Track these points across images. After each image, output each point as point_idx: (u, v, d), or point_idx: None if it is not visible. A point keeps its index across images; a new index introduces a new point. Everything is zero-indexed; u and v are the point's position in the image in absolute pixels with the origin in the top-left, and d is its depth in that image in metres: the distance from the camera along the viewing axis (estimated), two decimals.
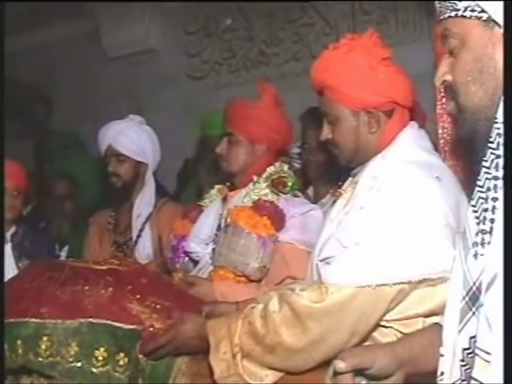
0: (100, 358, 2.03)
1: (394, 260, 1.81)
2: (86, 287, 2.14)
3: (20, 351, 2.05)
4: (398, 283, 1.81)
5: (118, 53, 5.88)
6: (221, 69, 5.67)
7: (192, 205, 2.97)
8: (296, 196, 2.66)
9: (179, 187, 4.71)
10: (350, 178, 2.14)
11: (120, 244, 3.37)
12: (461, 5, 1.25)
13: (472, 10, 1.23)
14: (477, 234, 1.19)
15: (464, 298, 1.21)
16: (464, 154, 2.10)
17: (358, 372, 1.56)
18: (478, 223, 1.19)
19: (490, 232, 1.16)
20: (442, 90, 2.09)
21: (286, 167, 2.69)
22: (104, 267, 2.30)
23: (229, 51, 5.62)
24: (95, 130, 3.44)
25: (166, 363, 2.09)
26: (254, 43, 5.52)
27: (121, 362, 2.05)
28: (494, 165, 1.16)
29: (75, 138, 5.20)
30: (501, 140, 1.15)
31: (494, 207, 1.16)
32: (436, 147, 2.11)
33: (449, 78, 1.32)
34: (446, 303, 1.28)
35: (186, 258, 2.76)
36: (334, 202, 2.16)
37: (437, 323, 1.68)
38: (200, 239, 2.69)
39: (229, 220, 2.54)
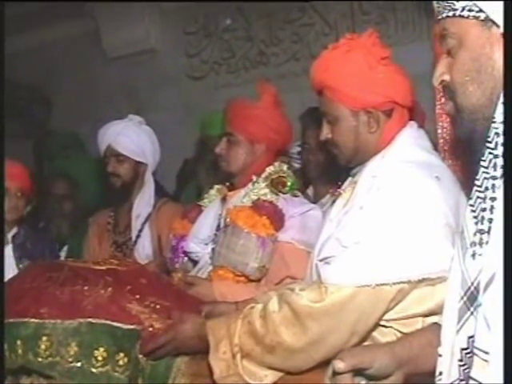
0: (99, 358, 2.03)
1: (393, 260, 1.81)
2: (86, 287, 2.14)
3: (20, 351, 2.05)
4: (398, 283, 1.81)
5: (118, 53, 5.88)
6: (220, 69, 5.67)
7: (191, 205, 2.97)
8: (295, 196, 2.66)
9: (179, 187, 4.71)
10: (350, 178, 2.14)
11: (119, 244, 3.37)
12: (458, 5, 1.25)
13: (470, 10, 1.23)
14: (475, 234, 1.19)
15: (462, 298, 1.21)
16: (463, 154, 2.10)
17: (358, 372, 1.56)
18: (476, 223, 1.19)
19: (488, 232, 1.16)
20: (441, 90, 2.10)
21: (285, 167, 2.69)
22: (103, 267, 2.30)
23: (228, 51, 5.62)
24: (95, 130, 3.44)
25: (166, 363, 2.09)
26: (253, 43, 5.52)
27: (120, 362, 2.05)
28: (492, 164, 1.16)
29: (75, 138, 5.21)
30: (499, 140, 1.15)
31: (492, 207, 1.16)
32: (435, 147, 2.11)
33: (447, 77, 1.32)
34: (444, 303, 1.28)
35: (186, 258, 2.77)
36: (334, 201, 2.16)
37: (436, 323, 1.68)
38: (199, 239, 2.69)
39: (228, 220, 2.54)
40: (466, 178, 2.00)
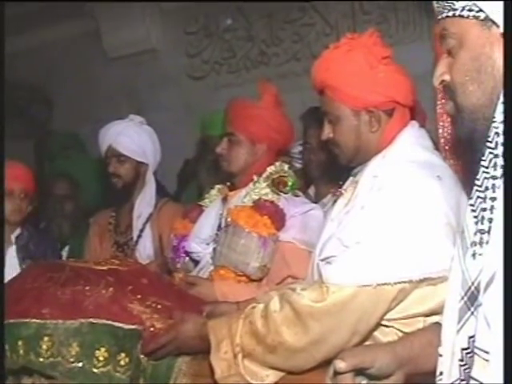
0: (101, 358, 2.03)
1: (394, 259, 1.81)
2: (87, 287, 2.15)
3: (21, 351, 2.05)
4: (399, 282, 1.81)
5: (119, 53, 5.88)
6: (221, 69, 5.66)
7: (192, 205, 2.97)
8: (296, 195, 2.66)
9: (180, 187, 4.71)
10: (351, 178, 2.14)
11: (121, 244, 3.37)
12: (458, 4, 1.25)
13: (470, 10, 1.23)
14: (475, 234, 1.19)
15: (463, 298, 1.21)
16: (463, 154, 2.10)
17: (359, 372, 1.56)
18: (477, 223, 1.19)
19: (489, 231, 1.16)
20: (442, 90, 2.10)
21: (286, 167, 2.69)
22: (105, 267, 2.30)
23: (229, 51, 5.62)
24: (95, 131, 3.44)
25: (167, 363, 2.09)
26: (254, 43, 5.51)
27: (122, 362, 2.05)
28: (492, 164, 1.16)
29: (75, 138, 5.21)
30: (499, 139, 1.15)
31: (492, 207, 1.16)
32: (437, 146, 2.11)
33: (447, 77, 1.32)
34: (445, 303, 1.28)
35: (187, 258, 2.77)
36: (335, 201, 2.16)
37: (437, 323, 1.67)
38: (200, 239, 2.69)
39: (229, 220, 2.54)
40: (467, 178, 2.00)
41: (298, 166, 3.47)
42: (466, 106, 1.28)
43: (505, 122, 1.14)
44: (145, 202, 3.36)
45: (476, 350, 1.13)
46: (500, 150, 1.15)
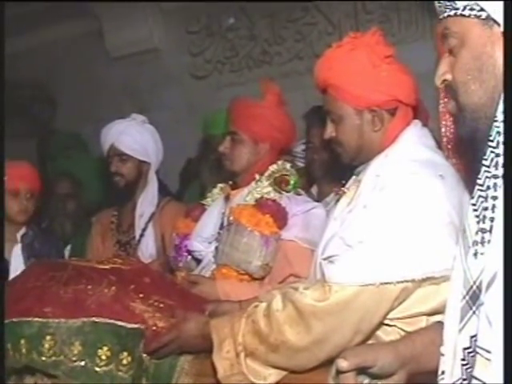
0: (103, 357, 2.03)
1: (397, 258, 1.81)
2: (89, 286, 2.14)
3: (23, 350, 2.05)
4: (402, 282, 1.81)
5: (121, 52, 5.88)
6: (223, 68, 5.67)
7: (195, 204, 2.97)
8: (298, 194, 2.66)
9: (182, 186, 4.72)
10: (354, 177, 2.13)
11: (123, 243, 3.37)
12: (460, 4, 1.25)
13: (471, 9, 1.23)
14: (477, 233, 1.19)
15: (464, 297, 1.21)
16: (466, 153, 2.10)
17: (361, 371, 1.56)
18: (478, 222, 1.19)
19: (490, 231, 1.15)
20: (444, 89, 2.09)
21: (288, 165, 2.69)
22: (107, 266, 2.30)
23: (231, 50, 5.62)
24: (98, 130, 3.44)
25: (170, 362, 2.09)
26: (256, 42, 5.51)
27: (124, 361, 2.05)
28: (493, 163, 1.16)
29: (77, 137, 5.22)
30: (500, 139, 1.15)
31: (493, 206, 1.15)
32: (439, 145, 2.11)
33: (449, 77, 1.32)
34: (447, 302, 1.28)
35: (189, 257, 2.77)
36: (338, 200, 2.16)
37: (439, 322, 1.67)
38: (203, 238, 2.69)
39: (231, 218, 2.54)
40: (470, 177, 1.99)
41: (300, 164, 3.47)
42: (468, 105, 1.28)
43: (505, 121, 1.14)
44: (147, 201, 3.36)
45: (478, 350, 1.13)
46: (501, 149, 1.15)
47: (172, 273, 2.78)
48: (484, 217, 1.17)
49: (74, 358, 2.03)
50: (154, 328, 2.09)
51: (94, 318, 2.06)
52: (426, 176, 1.89)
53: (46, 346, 2.04)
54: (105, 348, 2.04)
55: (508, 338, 1.05)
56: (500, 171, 1.14)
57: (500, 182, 1.14)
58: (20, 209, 3.32)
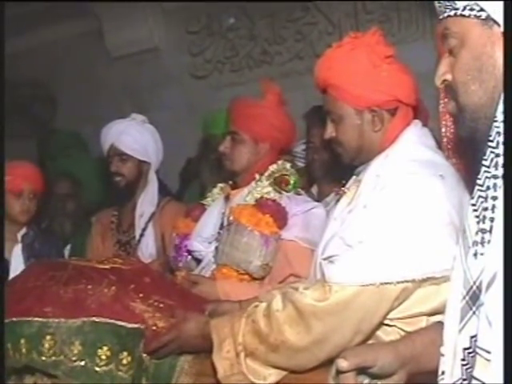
0: (103, 357, 2.03)
1: (397, 258, 1.81)
2: (89, 286, 2.14)
3: (23, 350, 2.05)
4: (402, 282, 1.81)
5: (121, 52, 5.88)
6: (223, 68, 5.66)
7: (195, 204, 2.97)
8: (298, 194, 2.66)
9: (182, 186, 4.71)
10: (354, 177, 2.13)
11: (123, 243, 3.37)
12: (460, 4, 1.25)
13: (471, 9, 1.23)
14: (477, 233, 1.19)
15: (464, 298, 1.21)
16: (466, 153, 2.10)
17: (361, 371, 1.56)
18: (478, 222, 1.19)
19: (490, 231, 1.15)
20: (444, 89, 2.09)
21: (288, 165, 2.69)
22: (107, 266, 2.30)
23: (231, 50, 5.62)
24: (98, 130, 3.44)
25: (170, 362, 2.09)
26: (256, 42, 5.51)
27: (124, 361, 2.04)
28: (493, 164, 1.16)
29: (77, 137, 5.22)
30: (500, 139, 1.15)
31: (493, 206, 1.15)
32: (439, 145, 2.11)
33: (449, 77, 1.32)
34: (447, 302, 1.28)
35: (189, 257, 2.77)
36: (338, 200, 2.16)
37: (440, 322, 1.67)
38: (203, 238, 2.69)
39: (231, 218, 2.54)
40: (470, 177, 2.00)
41: (300, 164, 3.47)
42: (468, 105, 1.28)
43: (505, 121, 1.13)
44: (147, 201, 3.36)
45: (478, 350, 1.13)
46: (501, 150, 1.15)
47: (172, 273, 2.78)
48: (484, 217, 1.17)
49: (74, 358, 2.03)
50: (154, 328, 2.09)
51: (94, 318, 2.06)
52: (426, 176, 1.88)
53: (46, 345, 2.03)
54: (105, 348, 2.04)
55: (508, 337, 1.05)
56: (500, 171, 1.14)
57: (500, 182, 1.14)
58: (22, 209, 3.32)
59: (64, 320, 2.06)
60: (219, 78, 5.68)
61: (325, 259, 1.99)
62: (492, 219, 1.15)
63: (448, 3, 1.27)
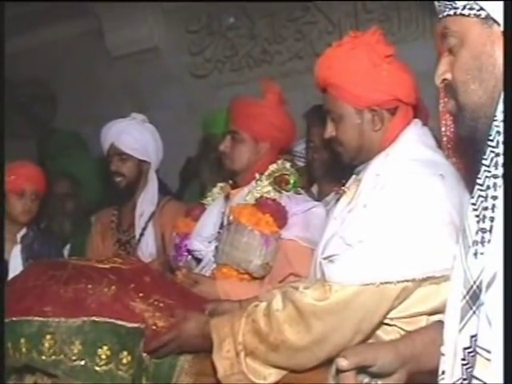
0: (103, 357, 2.03)
1: (397, 258, 1.81)
2: (89, 286, 2.14)
3: (23, 350, 2.05)
4: (402, 281, 1.81)
5: (121, 51, 5.87)
6: (223, 67, 5.66)
7: (195, 203, 2.97)
8: (298, 193, 2.66)
9: (182, 185, 4.71)
10: (354, 176, 2.13)
11: (123, 242, 3.37)
12: (459, 3, 1.25)
13: (471, 8, 1.23)
14: (477, 233, 1.19)
15: (464, 297, 1.21)
16: (466, 152, 2.10)
17: (361, 370, 1.56)
18: (478, 221, 1.19)
19: (490, 230, 1.15)
20: (443, 89, 2.09)
21: (288, 165, 2.69)
22: (107, 266, 2.30)
23: (231, 49, 5.62)
24: (98, 129, 3.44)
25: (170, 362, 2.09)
26: (256, 41, 5.51)
27: (124, 361, 2.05)
28: (493, 163, 1.16)
29: (77, 136, 5.21)
30: (500, 138, 1.15)
31: (493, 205, 1.15)
32: (439, 144, 2.10)
33: (448, 76, 1.32)
34: (447, 302, 1.28)
35: (189, 256, 2.77)
36: (338, 199, 2.16)
37: (440, 321, 1.67)
38: (203, 237, 2.69)
39: (231, 218, 2.54)
40: (470, 176, 1.99)
41: (300, 164, 3.47)
42: (468, 104, 1.28)
43: (505, 121, 1.13)
44: (147, 201, 3.36)
45: (478, 350, 1.13)
46: (501, 149, 1.14)
47: (172, 272, 2.78)
48: (484, 216, 1.17)
49: (74, 358, 2.03)
50: (154, 327, 2.09)
51: (94, 318, 2.06)
52: (426, 175, 1.88)
53: (46, 345, 2.04)
54: (105, 347, 2.04)
55: (508, 338, 1.05)
56: (500, 171, 1.14)
57: (500, 181, 1.14)
58: (24, 209, 3.32)
59: (64, 319, 2.06)
60: (219, 77, 5.68)
61: (325, 258, 1.99)
62: (492, 219, 1.15)
63: (448, 2, 1.27)
